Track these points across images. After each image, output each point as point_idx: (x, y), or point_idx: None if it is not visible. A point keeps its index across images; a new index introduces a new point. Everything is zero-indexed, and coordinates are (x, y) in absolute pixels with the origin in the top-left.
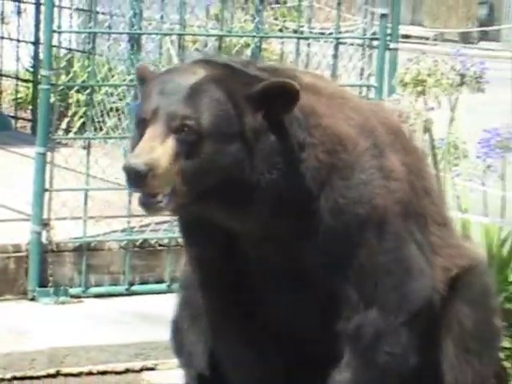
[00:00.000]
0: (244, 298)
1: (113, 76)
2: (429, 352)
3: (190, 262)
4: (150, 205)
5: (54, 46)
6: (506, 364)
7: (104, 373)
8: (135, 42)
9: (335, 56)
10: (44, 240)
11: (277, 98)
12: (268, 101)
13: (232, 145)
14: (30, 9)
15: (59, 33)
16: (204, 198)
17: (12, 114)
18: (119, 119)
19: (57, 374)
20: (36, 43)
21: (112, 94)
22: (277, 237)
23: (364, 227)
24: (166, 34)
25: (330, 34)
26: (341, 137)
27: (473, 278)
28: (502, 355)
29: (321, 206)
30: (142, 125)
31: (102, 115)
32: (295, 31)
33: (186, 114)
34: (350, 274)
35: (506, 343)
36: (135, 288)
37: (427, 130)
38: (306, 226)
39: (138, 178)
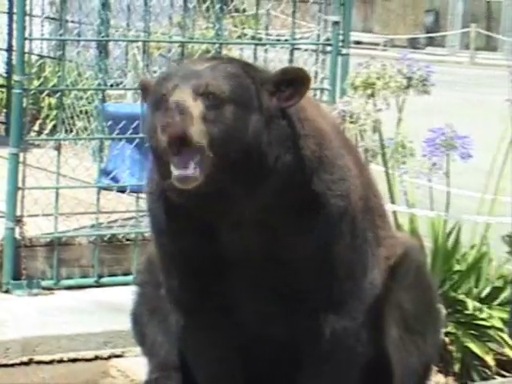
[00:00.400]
0: (213, 294)
1: (82, 81)
2: (376, 338)
3: (162, 256)
4: (184, 178)
5: (26, 53)
6: (451, 348)
7: (74, 360)
8: (103, 48)
9: (291, 61)
10: (17, 235)
11: (291, 84)
12: (283, 86)
13: (252, 116)
14: (2, 17)
15: (31, 40)
16: (227, 171)
17: None
18: (88, 121)
19: (30, 362)
20: (9, 50)
21: (81, 98)
22: (266, 224)
23: (342, 220)
24: (131, 41)
25: (286, 40)
26: (323, 132)
27: (408, 264)
28: (447, 340)
29: (310, 196)
30: (161, 101)
31: (71, 118)
32: (253, 38)
33: (210, 82)
34: (320, 270)
35: (450, 328)
36: (104, 280)
37: (376, 129)
38: (295, 215)
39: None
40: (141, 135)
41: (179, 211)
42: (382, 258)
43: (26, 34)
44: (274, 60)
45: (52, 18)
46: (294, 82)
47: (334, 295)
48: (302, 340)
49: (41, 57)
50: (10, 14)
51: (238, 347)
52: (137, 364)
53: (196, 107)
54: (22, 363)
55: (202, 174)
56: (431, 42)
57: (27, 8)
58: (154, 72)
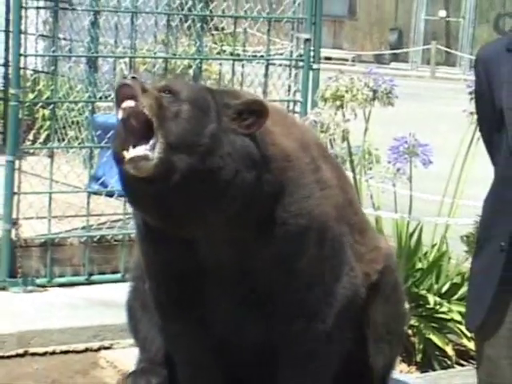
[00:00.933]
0: (190, 300)
1: (73, 93)
2: (355, 347)
3: (143, 260)
4: (136, 157)
5: (22, 68)
6: (414, 339)
7: (66, 352)
8: (92, 63)
9: (266, 75)
10: (13, 237)
11: (251, 114)
12: (244, 114)
13: (209, 123)
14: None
15: (25, 56)
16: (180, 165)
17: None
18: (79, 131)
19: (24, 354)
20: (6, 65)
21: (72, 109)
22: (233, 237)
23: (305, 236)
24: (119, 57)
25: (262, 56)
26: (287, 153)
27: (385, 278)
28: (410, 332)
29: (269, 215)
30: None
31: (63, 128)
32: (231, 54)
33: (170, 83)
34: (289, 281)
35: (413, 322)
36: (94, 278)
37: (345, 138)
38: (257, 232)
39: (129, 88)
40: None
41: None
42: (361, 273)
43: (22, 51)
44: (251, 74)
45: (45, 36)
46: (254, 112)
47: (304, 301)
48: (276, 343)
49: (35, 71)
50: (7, 32)
51: (215, 350)
52: (124, 356)
53: (152, 90)
54: (18, 355)
55: (155, 155)
56: (395, 57)
57: (22, 27)
58: None
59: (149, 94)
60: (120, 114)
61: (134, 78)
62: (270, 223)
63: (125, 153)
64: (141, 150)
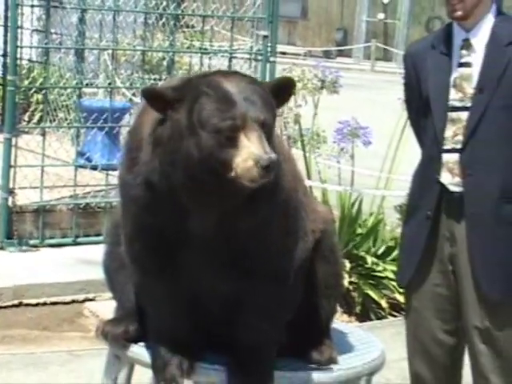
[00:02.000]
0: (171, 259)
1: (62, 80)
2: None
3: (128, 223)
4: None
5: (18, 58)
6: (354, 294)
7: (55, 303)
8: (80, 54)
9: (229, 67)
10: (10, 204)
11: (284, 89)
12: (280, 91)
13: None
14: None
15: (21, 48)
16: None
17: None
18: (68, 113)
19: (19, 305)
20: (4, 55)
21: (62, 94)
22: (223, 212)
23: (277, 208)
24: (103, 49)
25: (226, 50)
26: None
27: (325, 240)
28: (350, 288)
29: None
30: (232, 129)
31: (54, 110)
32: (200, 48)
33: (266, 117)
34: (260, 245)
35: (353, 279)
36: (80, 240)
37: (297, 121)
38: (242, 205)
39: (274, 167)
40: (109, 124)
41: (163, 200)
42: (310, 231)
43: (18, 43)
44: (217, 66)
45: (39, 30)
46: (286, 89)
47: (270, 262)
48: (241, 296)
49: (30, 61)
50: (5, 26)
51: (185, 301)
52: (105, 306)
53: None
54: (14, 306)
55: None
56: (341, 53)
57: (19, 22)
58: (121, 74)
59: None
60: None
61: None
62: (253, 198)
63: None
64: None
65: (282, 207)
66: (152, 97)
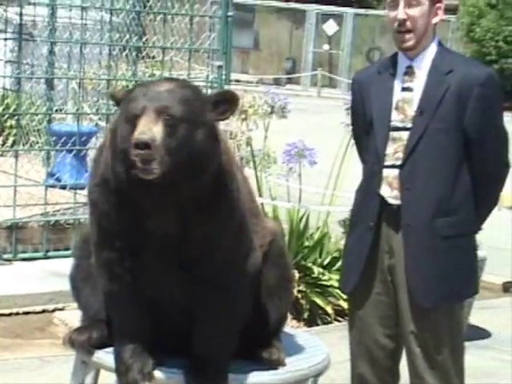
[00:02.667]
0: (135, 264)
1: (34, 107)
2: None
3: (98, 233)
4: (146, 170)
5: None
6: (302, 301)
7: (27, 313)
8: (49, 83)
9: None
10: None
11: (225, 102)
12: (219, 104)
13: (198, 130)
14: None
15: None
16: (178, 170)
17: None
18: (39, 137)
19: None
20: None
21: (33, 120)
22: (180, 217)
23: (230, 220)
24: (71, 78)
25: (184, 79)
26: (230, 153)
27: (273, 247)
28: (299, 295)
29: (210, 199)
30: (133, 119)
31: (26, 134)
32: (160, 76)
33: (169, 105)
34: (213, 254)
35: (301, 288)
36: (50, 254)
37: (249, 144)
38: (199, 212)
39: (144, 147)
40: (77, 147)
41: (120, 199)
42: (259, 246)
43: None
44: None
45: (12, 61)
46: (228, 100)
47: (222, 271)
48: (195, 302)
49: (4, 89)
50: None
51: (146, 307)
52: (73, 315)
53: (158, 130)
54: None
55: (160, 170)
56: (290, 81)
57: None
58: (88, 101)
59: (158, 141)
60: (134, 153)
61: (146, 134)
62: (210, 205)
63: (136, 162)
64: (149, 166)
65: (235, 222)
66: (111, 97)
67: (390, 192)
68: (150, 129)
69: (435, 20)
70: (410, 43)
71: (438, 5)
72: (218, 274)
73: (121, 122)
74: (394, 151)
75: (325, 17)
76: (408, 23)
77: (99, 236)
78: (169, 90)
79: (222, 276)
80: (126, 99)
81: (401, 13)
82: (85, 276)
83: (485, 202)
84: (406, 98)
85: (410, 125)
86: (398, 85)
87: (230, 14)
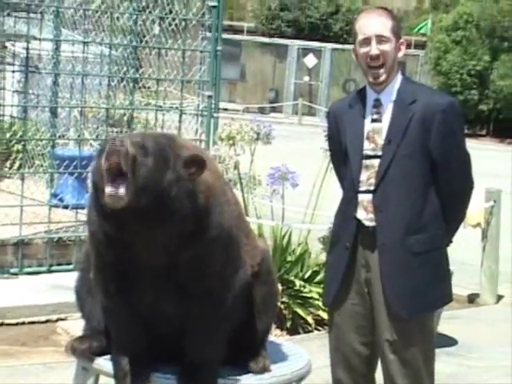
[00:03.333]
0: (128, 285)
1: (39, 133)
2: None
3: (95, 256)
4: (115, 194)
5: (1, 115)
6: (285, 312)
7: (32, 323)
8: (53, 111)
9: (180, 121)
10: None
11: (195, 165)
12: (190, 164)
13: (167, 171)
14: None
15: (4, 106)
16: (145, 200)
17: None
18: (43, 160)
19: (1, 324)
20: None
21: (38, 145)
22: (165, 245)
23: (216, 242)
24: (73, 107)
25: (177, 107)
26: (209, 185)
27: (262, 266)
28: (282, 306)
29: (197, 227)
30: (105, 148)
31: (32, 158)
32: (155, 106)
33: (143, 140)
34: (202, 275)
35: (284, 299)
36: (53, 268)
37: (236, 167)
38: (183, 240)
39: (117, 158)
40: (79, 170)
41: (109, 228)
42: (249, 264)
43: (1, 102)
44: (169, 120)
45: (19, 91)
46: (197, 163)
47: (211, 289)
48: (186, 318)
49: (11, 117)
50: None
51: (141, 321)
52: (75, 325)
53: (131, 149)
54: None
55: (127, 195)
56: (273, 109)
57: (1, 84)
58: (89, 128)
59: (128, 156)
60: (105, 164)
61: (120, 141)
62: (193, 233)
63: (106, 188)
64: (117, 190)
65: (221, 243)
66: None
67: (365, 215)
68: (123, 143)
69: (400, 55)
70: (383, 77)
71: (400, 41)
72: (208, 290)
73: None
74: (368, 178)
75: (305, 51)
76: (381, 58)
77: (96, 259)
78: (148, 135)
79: (211, 291)
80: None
81: (374, 49)
82: (88, 288)
83: (452, 218)
84: (376, 129)
85: (380, 153)
86: (367, 116)
87: (218, 48)
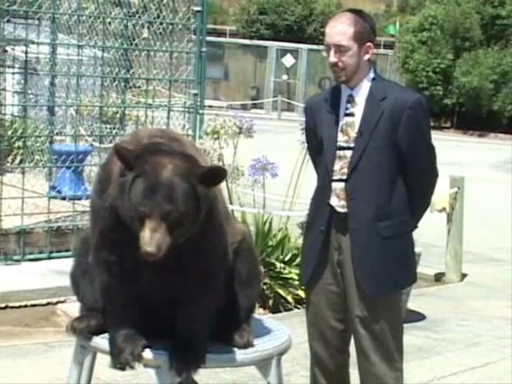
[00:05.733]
0: (131, 269)
1: (38, 130)
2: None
3: (99, 238)
4: (150, 254)
5: (2, 114)
6: (267, 292)
7: (34, 305)
8: (51, 110)
9: (168, 118)
10: None
11: (214, 176)
12: (209, 177)
13: (193, 214)
14: None
15: (5, 105)
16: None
17: None
18: (42, 155)
19: (6, 307)
20: None
21: (37, 141)
22: (175, 251)
23: (213, 231)
24: (69, 106)
25: (165, 105)
26: (213, 201)
27: (243, 244)
28: (264, 287)
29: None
30: (142, 216)
31: (32, 154)
32: (145, 103)
33: (172, 210)
34: (199, 260)
35: (267, 280)
36: (53, 255)
37: (220, 159)
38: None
39: (153, 257)
40: (75, 164)
41: (120, 221)
42: (231, 243)
43: (2, 102)
44: (158, 117)
45: (19, 92)
46: (216, 175)
47: (205, 272)
48: (181, 293)
49: (12, 116)
50: None
51: (138, 298)
52: (74, 307)
53: (163, 237)
54: (1, 308)
55: (162, 252)
56: (255, 106)
57: (2, 86)
58: (84, 125)
59: (164, 244)
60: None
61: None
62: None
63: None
64: (155, 251)
65: (217, 224)
66: (118, 154)
67: (338, 202)
68: (155, 238)
69: (367, 57)
70: (343, 79)
71: (367, 44)
72: (203, 270)
73: (131, 194)
74: (341, 167)
75: (283, 52)
76: (339, 64)
77: (100, 240)
78: (175, 186)
79: (205, 271)
80: (137, 177)
81: (331, 57)
82: (83, 272)
83: (418, 205)
84: (349, 122)
85: (352, 145)
86: (342, 111)
87: (203, 50)
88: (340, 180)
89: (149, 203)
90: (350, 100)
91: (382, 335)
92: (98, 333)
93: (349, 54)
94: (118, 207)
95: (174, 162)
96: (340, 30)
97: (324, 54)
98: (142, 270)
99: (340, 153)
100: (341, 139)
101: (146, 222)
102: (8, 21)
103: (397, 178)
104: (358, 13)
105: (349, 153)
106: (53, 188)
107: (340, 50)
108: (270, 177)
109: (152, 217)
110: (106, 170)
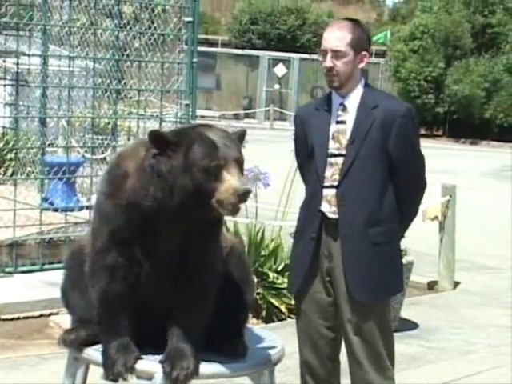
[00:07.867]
0: (131, 272)
1: (29, 142)
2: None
3: (107, 239)
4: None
5: None
6: (260, 302)
7: (27, 317)
8: (43, 122)
9: (160, 129)
10: None
11: (243, 136)
12: (241, 137)
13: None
14: None
15: None
16: None
17: None
18: (34, 167)
19: None
20: None
21: (29, 153)
22: (185, 237)
23: (214, 237)
24: (61, 117)
25: (157, 115)
26: None
27: (233, 252)
28: (258, 297)
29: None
30: (216, 171)
31: (24, 165)
32: (137, 114)
33: (240, 155)
34: (198, 266)
35: (260, 290)
36: (45, 267)
37: None
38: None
39: (248, 196)
40: (67, 175)
41: (138, 220)
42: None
43: None
44: (150, 127)
45: (10, 104)
46: (243, 135)
47: (202, 277)
48: (177, 297)
49: (3, 128)
50: None
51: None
52: (67, 319)
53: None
54: None
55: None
56: (247, 115)
57: None
58: (76, 136)
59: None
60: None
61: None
62: (208, 228)
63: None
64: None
65: (219, 236)
66: (156, 138)
67: (329, 208)
68: (242, 178)
69: (361, 65)
70: (336, 84)
71: (363, 53)
72: (201, 276)
73: (192, 161)
74: (332, 174)
75: (275, 61)
76: (334, 69)
77: (107, 242)
78: (230, 139)
79: (202, 277)
80: (201, 158)
81: (328, 62)
82: (73, 284)
83: (407, 214)
84: (341, 130)
85: (344, 152)
86: (333, 119)
87: (194, 60)
88: (331, 186)
89: (221, 154)
90: (342, 108)
91: (372, 342)
92: (90, 344)
93: (345, 60)
94: (147, 196)
95: (211, 127)
96: (339, 35)
97: (319, 58)
98: (147, 274)
99: (331, 160)
100: (332, 146)
101: (223, 172)
102: None
103: (387, 185)
104: (355, 21)
105: (340, 160)
106: (45, 200)
107: (337, 55)
108: (263, 187)
109: (228, 164)
110: (119, 170)
